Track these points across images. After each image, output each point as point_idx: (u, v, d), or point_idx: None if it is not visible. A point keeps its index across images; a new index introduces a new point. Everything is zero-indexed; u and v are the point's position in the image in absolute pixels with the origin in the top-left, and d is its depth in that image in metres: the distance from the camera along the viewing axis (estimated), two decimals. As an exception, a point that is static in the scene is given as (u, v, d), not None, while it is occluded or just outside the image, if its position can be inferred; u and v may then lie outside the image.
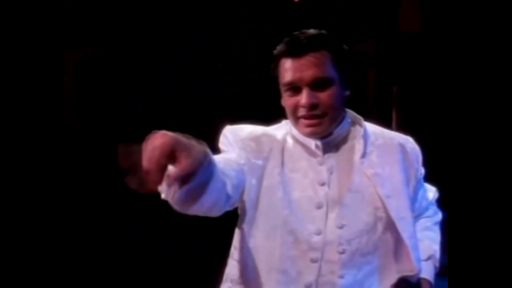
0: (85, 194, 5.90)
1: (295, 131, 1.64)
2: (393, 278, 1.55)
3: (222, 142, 1.65)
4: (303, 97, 1.54)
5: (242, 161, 1.56)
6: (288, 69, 1.56)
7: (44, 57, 6.19)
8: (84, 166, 6.18)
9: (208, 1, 7.72)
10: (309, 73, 1.52)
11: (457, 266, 1.51)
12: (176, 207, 1.33)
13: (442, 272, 1.78)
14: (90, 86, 7.14)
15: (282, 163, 1.56)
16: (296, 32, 1.59)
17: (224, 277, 1.62)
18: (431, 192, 1.73)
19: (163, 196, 1.32)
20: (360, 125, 1.64)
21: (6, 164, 5.45)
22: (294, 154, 1.60)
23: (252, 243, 1.54)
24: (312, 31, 1.57)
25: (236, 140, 1.61)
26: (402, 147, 1.67)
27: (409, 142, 1.72)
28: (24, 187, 5.43)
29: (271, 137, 1.61)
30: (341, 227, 1.53)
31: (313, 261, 1.52)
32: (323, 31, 1.59)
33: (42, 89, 6.16)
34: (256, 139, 1.61)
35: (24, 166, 5.58)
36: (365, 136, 1.60)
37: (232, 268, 1.61)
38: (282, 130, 1.66)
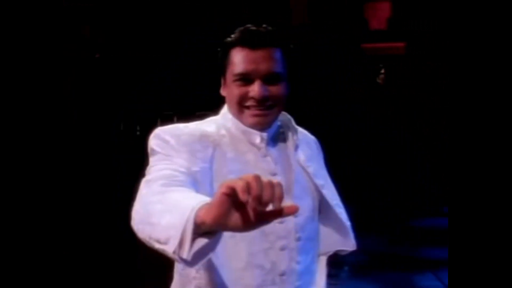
0: (85, 194, 5.90)
1: (233, 124, 1.61)
2: (327, 255, 1.67)
3: (162, 147, 1.52)
4: (256, 90, 1.54)
5: (195, 168, 1.46)
6: (242, 59, 1.55)
7: (44, 57, 6.19)
8: (84, 166, 6.19)
9: (208, 1, 7.74)
10: (264, 67, 1.54)
11: (458, 266, 1.52)
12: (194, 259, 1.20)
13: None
14: (90, 85, 7.14)
15: (228, 160, 1.53)
16: (251, 25, 1.58)
17: None
18: None
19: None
20: (290, 121, 1.68)
21: (6, 164, 5.46)
22: (238, 148, 1.57)
23: (219, 247, 1.47)
24: (267, 26, 1.59)
25: (180, 144, 1.51)
26: (315, 142, 1.77)
27: (316, 140, 1.80)
28: (24, 186, 5.44)
29: (209, 136, 1.56)
30: (296, 216, 1.55)
31: (282, 249, 1.56)
32: (277, 29, 1.60)
33: (42, 89, 6.16)
34: (199, 141, 1.54)
35: (24, 166, 5.59)
36: (295, 131, 1.68)
37: (202, 279, 1.53)
38: (213, 125, 1.61)
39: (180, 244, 1.16)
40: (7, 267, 4.68)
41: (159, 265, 1.79)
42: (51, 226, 5.33)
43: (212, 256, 1.35)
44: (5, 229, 5.02)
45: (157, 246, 1.24)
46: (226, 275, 1.51)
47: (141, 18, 7.38)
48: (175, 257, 1.19)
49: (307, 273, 1.62)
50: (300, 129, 1.73)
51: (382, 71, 7.96)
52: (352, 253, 1.73)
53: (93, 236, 5.37)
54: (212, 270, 1.50)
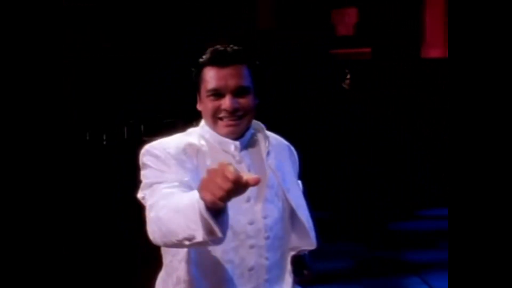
0: (85, 194, 5.89)
1: (210, 135, 1.81)
2: (293, 252, 1.85)
3: (153, 162, 1.73)
4: (227, 102, 1.74)
5: (186, 178, 1.68)
6: (213, 77, 1.75)
7: (44, 57, 6.18)
8: (84, 166, 6.18)
9: (208, 1, 7.73)
10: (232, 82, 1.74)
11: (458, 266, 1.53)
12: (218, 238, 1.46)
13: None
14: (90, 86, 7.12)
15: (207, 166, 1.71)
16: (219, 46, 1.79)
17: (176, 280, 1.76)
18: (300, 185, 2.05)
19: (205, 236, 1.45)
20: (262, 129, 1.87)
21: (6, 164, 5.45)
22: (215, 156, 1.77)
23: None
24: (233, 46, 1.79)
25: (169, 157, 1.72)
26: (288, 147, 1.96)
27: (290, 145, 1.99)
28: (23, 186, 5.42)
29: (191, 146, 1.77)
30: (265, 217, 1.77)
31: (251, 247, 1.76)
32: (243, 47, 1.81)
33: (42, 89, 6.15)
34: (184, 152, 1.75)
35: (23, 166, 5.57)
36: (266, 138, 1.86)
37: (182, 270, 1.75)
38: (194, 136, 1.82)
39: (209, 231, 1.41)
40: (7, 267, 4.68)
41: (159, 265, 1.89)
42: (51, 226, 5.32)
43: (191, 253, 1.70)
44: (5, 229, 5.01)
45: (187, 243, 1.49)
46: (202, 269, 1.73)
47: (141, 18, 7.38)
48: (206, 240, 1.45)
49: (276, 268, 1.81)
50: (274, 135, 1.92)
51: (348, 76, 8.08)
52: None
53: (93, 236, 5.36)
54: (190, 264, 1.72)
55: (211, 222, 1.40)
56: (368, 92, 7.98)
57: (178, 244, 1.53)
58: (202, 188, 1.37)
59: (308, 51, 7.77)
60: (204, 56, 1.78)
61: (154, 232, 1.58)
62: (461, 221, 1.62)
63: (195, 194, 1.44)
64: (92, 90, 7.02)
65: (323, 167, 6.93)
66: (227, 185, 1.31)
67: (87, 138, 6.66)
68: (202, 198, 1.38)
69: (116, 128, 6.66)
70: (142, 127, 6.62)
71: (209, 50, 1.78)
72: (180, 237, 1.48)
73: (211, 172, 1.36)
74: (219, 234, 1.41)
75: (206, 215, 1.40)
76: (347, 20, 8.79)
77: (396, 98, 7.97)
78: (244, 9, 7.60)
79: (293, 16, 8.13)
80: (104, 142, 6.68)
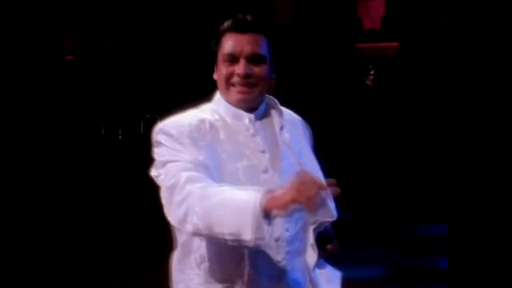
0: (100, 189, 5.89)
1: (224, 108, 1.84)
2: (314, 225, 1.84)
3: (167, 140, 1.76)
4: (241, 67, 1.78)
5: (201, 158, 1.71)
6: (231, 42, 1.81)
7: (44, 57, 6.14)
8: (99, 161, 6.17)
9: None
10: (249, 48, 1.79)
11: (458, 268, 1.50)
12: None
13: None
14: (107, 79, 7.10)
15: (221, 141, 1.78)
16: (241, 14, 1.84)
17: (199, 259, 1.77)
18: None
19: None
20: (275, 104, 1.90)
21: (5, 164, 5.45)
22: (229, 130, 1.81)
23: None
24: (253, 16, 1.84)
25: (183, 136, 1.75)
26: (301, 122, 1.99)
27: (302, 120, 2.01)
28: (23, 186, 5.40)
29: (204, 121, 1.80)
30: (282, 187, 1.72)
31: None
32: (263, 18, 1.87)
33: (42, 89, 6.12)
34: (197, 129, 1.77)
35: (23, 166, 5.55)
36: (280, 113, 1.89)
37: (204, 248, 1.76)
38: (207, 111, 1.85)
39: (257, 231, 1.53)
40: (7, 267, 4.69)
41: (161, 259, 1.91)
42: (51, 226, 5.30)
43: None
44: (5, 229, 5.02)
45: (229, 238, 1.57)
46: (224, 245, 1.68)
47: (141, 17, 7.36)
48: (253, 239, 1.54)
49: (296, 239, 1.82)
50: (287, 110, 1.95)
51: (372, 72, 7.96)
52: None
53: (92, 236, 5.37)
54: (212, 241, 1.71)
55: (264, 223, 1.53)
56: (393, 88, 7.85)
57: (211, 236, 1.61)
58: (294, 192, 1.53)
59: (330, 46, 7.69)
60: (225, 24, 1.85)
61: (195, 223, 1.62)
62: (461, 222, 1.65)
63: (247, 194, 1.57)
64: (108, 83, 7.02)
65: (346, 166, 6.81)
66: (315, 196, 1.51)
67: (103, 132, 6.70)
68: (288, 199, 1.53)
69: (132, 122, 6.68)
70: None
71: (230, 18, 1.85)
72: (225, 232, 1.58)
73: (303, 182, 1.53)
74: (267, 236, 1.55)
75: (261, 216, 1.53)
76: (374, 13, 8.61)
77: (425, 96, 7.79)
78: (262, 2, 7.55)
79: (315, 9, 8.01)
80: (120, 137, 6.71)
